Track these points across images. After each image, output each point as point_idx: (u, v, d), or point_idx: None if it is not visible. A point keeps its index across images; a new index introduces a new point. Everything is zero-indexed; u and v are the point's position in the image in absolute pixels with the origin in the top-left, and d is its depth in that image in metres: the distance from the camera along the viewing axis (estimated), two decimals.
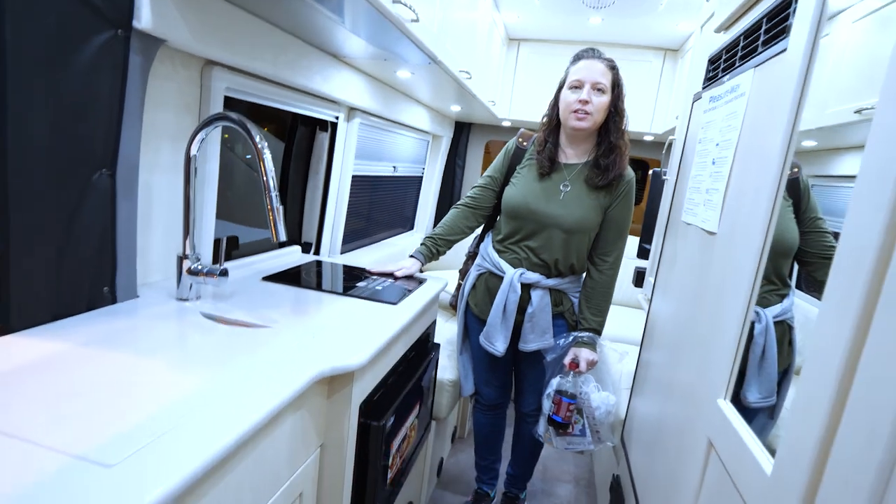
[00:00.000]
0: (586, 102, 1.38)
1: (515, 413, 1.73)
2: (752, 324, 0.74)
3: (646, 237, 1.94)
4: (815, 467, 0.44)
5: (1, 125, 0.73)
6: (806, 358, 0.49)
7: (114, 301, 0.97)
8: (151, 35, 0.93)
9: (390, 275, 1.52)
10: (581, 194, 1.45)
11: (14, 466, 0.52)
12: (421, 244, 1.60)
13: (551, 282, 1.49)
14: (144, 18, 0.89)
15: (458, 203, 1.64)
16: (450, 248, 1.64)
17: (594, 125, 1.41)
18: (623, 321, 2.76)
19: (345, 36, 1.35)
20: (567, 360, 1.50)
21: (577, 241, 1.46)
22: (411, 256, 1.58)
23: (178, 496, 0.54)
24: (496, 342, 1.52)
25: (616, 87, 1.41)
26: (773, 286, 0.80)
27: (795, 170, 0.80)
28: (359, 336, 1.01)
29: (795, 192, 0.80)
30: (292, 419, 0.80)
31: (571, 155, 1.49)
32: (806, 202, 0.80)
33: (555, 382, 1.52)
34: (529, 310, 1.49)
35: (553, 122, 1.49)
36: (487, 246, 1.58)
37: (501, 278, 1.51)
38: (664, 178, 1.82)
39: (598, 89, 1.39)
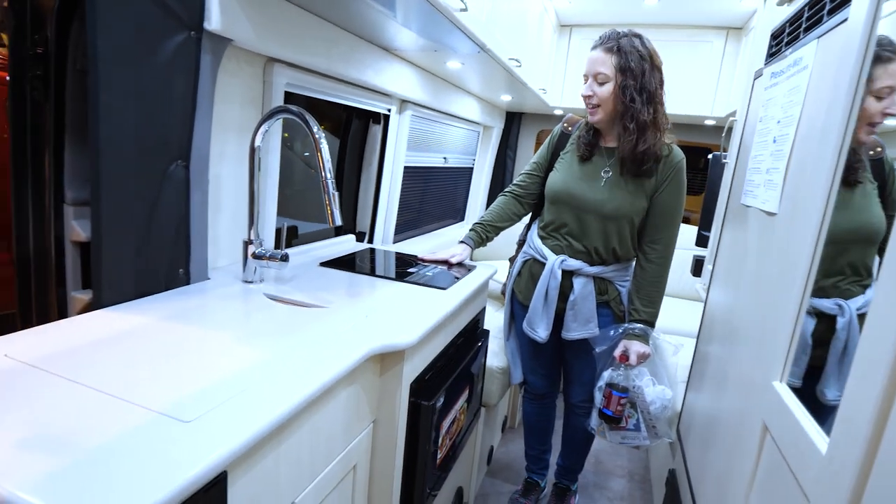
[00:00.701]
0: (590, 97, 1.37)
1: (564, 404, 1.72)
2: (834, 318, 0.70)
3: (705, 224, 1.87)
4: (871, 443, 0.43)
5: (94, 120, 0.82)
6: (861, 334, 0.47)
7: (188, 282, 1.06)
8: (220, 35, 1.00)
9: (445, 262, 1.55)
10: (623, 179, 1.41)
11: (105, 418, 0.59)
12: (470, 230, 1.62)
13: (594, 269, 1.46)
14: (214, 20, 0.97)
15: (506, 190, 1.65)
16: (498, 234, 1.64)
17: (606, 115, 1.39)
18: (679, 313, 2.67)
19: (396, 29, 1.39)
20: (617, 353, 1.45)
21: (617, 227, 1.43)
22: (461, 242, 1.60)
23: (246, 452, 0.60)
24: (538, 328, 1.52)
25: (623, 70, 1.33)
26: (856, 276, 0.75)
27: (879, 150, 0.74)
28: (409, 317, 1.05)
29: (880, 173, 0.74)
30: (346, 392, 0.85)
31: (611, 139, 1.46)
32: (892, 184, 0.74)
33: (606, 375, 1.47)
34: (571, 297, 1.47)
35: None
36: (533, 233, 1.58)
37: (545, 265, 1.50)
38: (724, 161, 1.74)
39: (599, 81, 1.36)
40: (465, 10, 1.21)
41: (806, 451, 0.57)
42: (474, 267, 1.56)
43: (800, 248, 0.71)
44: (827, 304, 0.71)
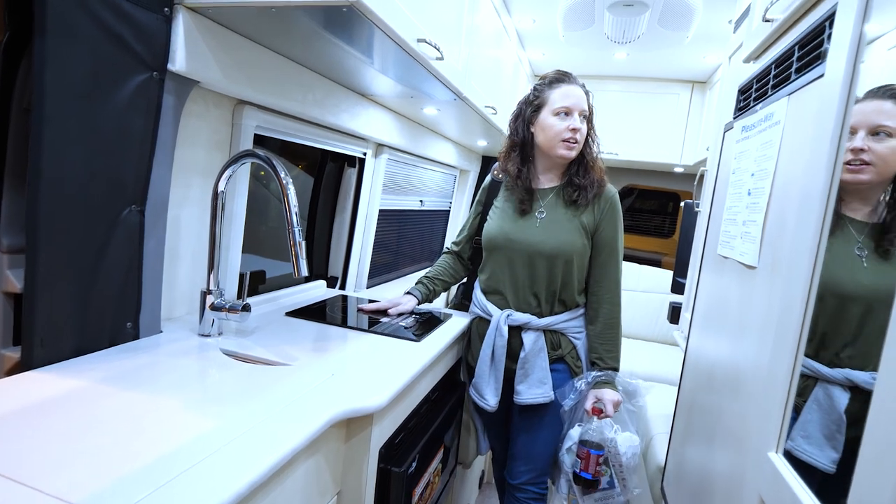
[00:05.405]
0: (576, 131, 1.31)
1: (498, 490, 1.55)
2: (871, 393, 0.65)
3: (680, 271, 1.87)
4: None
5: (35, 161, 0.75)
6: (871, 408, 0.44)
7: (136, 337, 0.97)
8: (185, 77, 0.96)
9: (384, 312, 1.45)
10: (560, 218, 1.35)
11: None
12: (417, 283, 1.56)
13: (543, 321, 1.35)
14: (179, 61, 0.93)
15: (446, 248, 1.63)
16: (446, 288, 1.60)
17: (578, 153, 1.35)
18: (654, 358, 2.64)
19: (373, 75, 1.38)
20: (589, 406, 1.32)
21: (561, 268, 1.33)
22: (407, 293, 1.53)
23: None
24: (486, 394, 1.37)
25: (591, 108, 1.36)
26: None
27: None
28: (380, 375, 0.98)
29: None
30: (306, 465, 0.77)
31: (545, 180, 1.41)
32: None
33: (576, 433, 1.33)
34: (522, 354, 1.34)
35: (527, 149, 1.39)
36: (476, 288, 1.48)
37: (490, 322, 1.39)
38: (697, 209, 1.76)
39: (584, 117, 1.34)
40: (441, 59, 1.21)
41: None
42: (427, 312, 1.50)
43: (788, 308, 0.68)
44: (863, 377, 0.64)
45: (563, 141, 1.32)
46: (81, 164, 0.82)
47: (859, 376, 0.65)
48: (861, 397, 0.64)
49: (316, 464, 0.80)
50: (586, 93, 1.35)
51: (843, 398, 0.66)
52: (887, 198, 0.67)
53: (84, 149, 0.82)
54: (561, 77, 1.35)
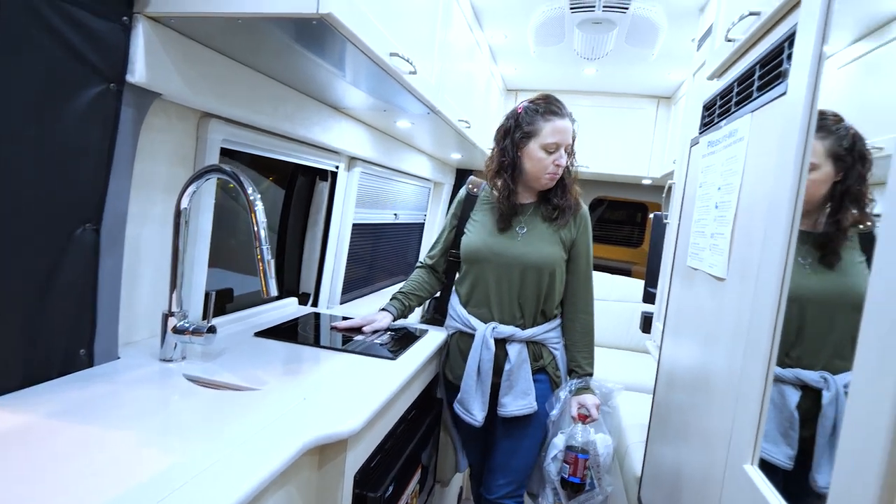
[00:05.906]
0: (560, 166, 1.38)
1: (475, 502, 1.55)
2: (819, 391, 0.67)
3: (650, 281, 1.90)
4: None
5: None
6: (844, 420, 0.44)
7: (91, 364, 0.91)
8: (145, 88, 0.92)
9: (358, 330, 1.42)
10: (541, 232, 1.40)
11: None
12: (392, 298, 1.54)
13: (527, 333, 1.38)
14: (138, 73, 0.89)
15: (419, 262, 1.62)
16: (421, 302, 1.60)
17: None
18: (626, 366, 2.67)
19: (345, 88, 1.36)
20: (575, 412, 1.38)
21: (544, 279, 1.38)
22: (383, 310, 1.51)
23: None
24: (473, 409, 1.36)
25: (573, 138, 1.42)
26: (845, 349, 0.73)
27: (869, 224, 0.74)
28: (354, 397, 0.95)
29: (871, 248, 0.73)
30: (276, 497, 0.73)
31: (524, 196, 1.45)
32: None
33: (560, 441, 1.37)
34: (507, 367, 1.36)
35: (516, 171, 1.40)
36: (455, 302, 1.48)
37: (473, 336, 1.39)
38: (666, 221, 1.79)
39: (567, 150, 1.39)
40: (414, 73, 1.20)
41: None
42: (402, 329, 1.47)
43: (758, 320, 0.69)
44: (811, 377, 0.67)
45: (548, 173, 1.38)
46: (29, 179, 0.77)
47: (809, 376, 0.68)
48: (811, 395, 0.67)
49: (287, 495, 0.76)
50: (572, 121, 1.40)
51: (794, 396, 0.69)
52: (828, 212, 0.71)
53: (33, 164, 0.77)
54: (554, 110, 1.37)
